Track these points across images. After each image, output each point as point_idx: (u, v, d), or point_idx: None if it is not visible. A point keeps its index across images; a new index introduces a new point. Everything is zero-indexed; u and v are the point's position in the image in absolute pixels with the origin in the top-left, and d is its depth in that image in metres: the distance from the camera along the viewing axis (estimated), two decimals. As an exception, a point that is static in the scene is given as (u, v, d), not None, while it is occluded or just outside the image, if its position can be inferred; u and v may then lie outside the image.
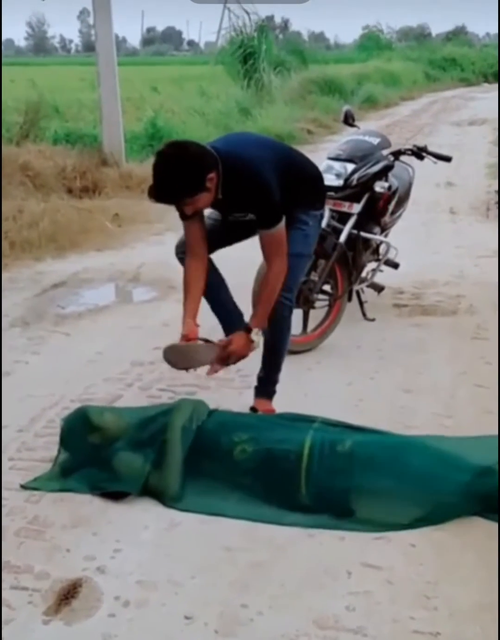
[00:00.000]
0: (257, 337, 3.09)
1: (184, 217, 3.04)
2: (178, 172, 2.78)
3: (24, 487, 2.83)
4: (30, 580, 2.35)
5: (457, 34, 43.24)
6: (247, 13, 16.17)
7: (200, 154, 2.86)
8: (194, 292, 3.15)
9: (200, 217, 3.09)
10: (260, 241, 3.06)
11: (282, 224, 3.00)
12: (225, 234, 3.33)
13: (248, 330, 3.09)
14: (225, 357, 3.13)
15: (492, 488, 2.58)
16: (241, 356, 3.14)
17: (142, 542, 2.54)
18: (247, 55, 15.87)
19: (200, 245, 3.13)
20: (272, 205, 2.97)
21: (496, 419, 3.27)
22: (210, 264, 3.32)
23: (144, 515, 2.67)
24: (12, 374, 3.88)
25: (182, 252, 3.27)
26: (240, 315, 3.40)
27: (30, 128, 8.76)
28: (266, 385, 3.38)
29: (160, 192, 2.83)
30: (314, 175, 3.31)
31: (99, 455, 2.88)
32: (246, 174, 2.93)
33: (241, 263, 3.78)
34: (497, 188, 8.36)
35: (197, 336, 3.10)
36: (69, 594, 2.29)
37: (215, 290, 3.36)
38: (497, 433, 3.03)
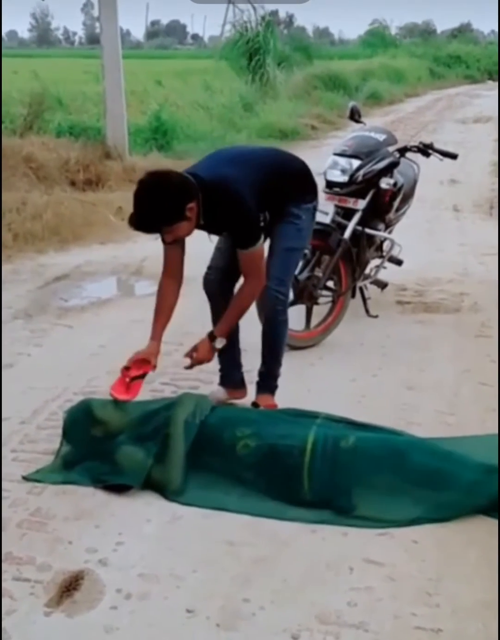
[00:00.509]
0: (220, 344, 3.15)
1: (165, 242, 3.06)
2: (157, 202, 2.79)
3: (26, 478, 2.83)
4: (32, 572, 2.35)
5: (462, 31, 43.22)
6: (254, 7, 16.10)
7: (181, 184, 2.87)
8: (164, 312, 3.18)
9: (181, 243, 3.10)
10: (240, 261, 3.07)
11: (260, 243, 3.03)
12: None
13: (212, 338, 3.15)
14: (191, 365, 3.22)
15: (496, 487, 2.58)
16: (204, 362, 3.21)
17: (144, 535, 2.54)
18: (251, 50, 15.82)
19: (177, 267, 3.15)
20: (248, 226, 3.00)
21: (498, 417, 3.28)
22: (225, 302, 3.32)
23: (146, 509, 2.67)
24: (14, 366, 3.88)
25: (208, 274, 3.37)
26: (239, 367, 3.46)
27: (34, 120, 8.74)
28: (267, 380, 3.39)
29: (139, 221, 2.85)
30: (301, 169, 3.31)
31: (102, 448, 2.88)
32: (223, 197, 2.94)
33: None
34: (499, 186, 8.36)
35: (155, 359, 3.12)
36: (71, 586, 2.29)
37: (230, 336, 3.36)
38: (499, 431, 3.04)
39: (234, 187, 2.96)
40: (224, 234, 3.26)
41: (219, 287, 3.35)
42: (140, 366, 3.08)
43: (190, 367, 3.23)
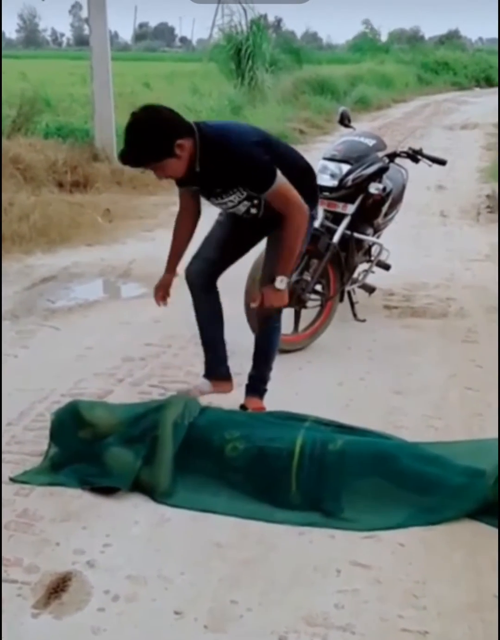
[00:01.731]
0: (282, 284, 3.04)
1: (178, 182, 3.07)
2: (145, 136, 2.77)
3: (13, 480, 2.82)
4: (19, 574, 2.34)
5: (450, 38, 43.45)
6: (244, 9, 16.08)
7: (171, 119, 2.84)
8: (179, 245, 3.29)
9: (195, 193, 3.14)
10: (269, 202, 2.96)
11: (280, 176, 2.87)
12: (234, 241, 3.31)
13: (273, 280, 3.05)
14: (265, 314, 3.18)
15: (483, 490, 2.60)
16: (277, 306, 3.13)
17: (132, 537, 2.54)
18: (240, 53, 15.83)
19: (191, 204, 3.20)
20: (258, 164, 2.87)
21: (485, 421, 3.30)
22: (215, 297, 3.36)
23: (134, 511, 2.67)
24: (1, 367, 3.86)
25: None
26: (224, 360, 3.44)
27: (24, 122, 8.71)
28: (257, 383, 3.40)
29: (127, 154, 2.83)
30: (306, 169, 3.21)
31: (90, 450, 2.88)
32: (225, 145, 2.88)
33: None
34: (487, 193, 8.42)
35: (169, 289, 3.29)
36: (58, 587, 2.28)
37: (211, 326, 3.38)
38: (487, 436, 3.07)
39: (238, 136, 2.94)
40: (219, 224, 3.27)
41: (201, 278, 3.31)
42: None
43: (261, 314, 3.19)
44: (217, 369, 3.45)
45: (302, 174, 3.13)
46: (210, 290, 3.34)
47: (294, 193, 2.93)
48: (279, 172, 2.88)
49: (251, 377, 3.39)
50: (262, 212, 3.05)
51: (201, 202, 3.23)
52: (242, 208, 3.06)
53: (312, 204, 3.17)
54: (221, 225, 3.32)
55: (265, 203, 3.01)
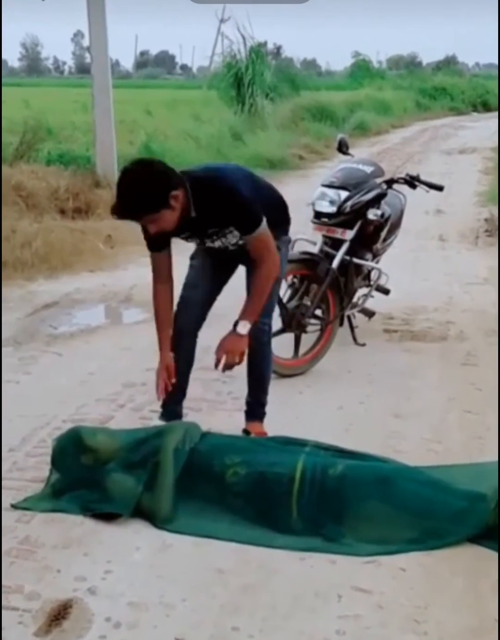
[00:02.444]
0: (244, 329, 3.02)
1: (152, 247, 3.08)
2: (141, 188, 2.76)
3: (14, 506, 2.82)
4: (20, 601, 2.34)
5: (448, 64, 43.86)
6: (243, 37, 16.31)
7: (164, 171, 2.86)
8: (166, 322, 3.18)
9: (168, 250, 3.11)
10: (248, 246, 3.03)
11: (264, 224, 2.97)
12: (215, 278, 3.32)
13: (236, 324, 3.05)
14: (218, 359, 3.08)
15: (484, 515, 2.60)
16: (235, 354, 3.05)
17: (133, 563, 2.54)
18: (240, 81, 16.02)
19: (167, 272, 3.14)
20: (249, 209, 2.95)
21: (485, 445, 3.31)
22: (196, 342, 3.33)
23: (135, 537, 2.68)
24: (3, 393, 3.87)
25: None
26: (180, 400, 3.37)
27: (26, 150, 8.79)
28: (255, 408, 3.42)
29: (122, 208, 2.82)
30: (280, 200, 3.31)
31: (91, 476, 2.89)
32: (218, 186, 2.93)
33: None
34: (485, 217, 8.47)
35: (172, 369, 3.16)
36: (59, 614, 2.28)
37: (187, 370, 3.33)
38: (486, 459, 3.07)
39: (225, 177, 2.98)
40: (200, 259, 3.26)
41: (192, 325, 3.29)
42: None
43: (224, 369, 3.08)
44: (175, 408, 3.37)
45: (278, 205, 3.26)
46: (195, 335, 3.33)
47: (273, 241, 3.02)
48: (264, 220, 2.97)
49: (248, 403, 3.42)
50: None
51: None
52: (232, 240, 3.09)
53: (287, 230, 3.32)
54: (198, 268, 3.30)
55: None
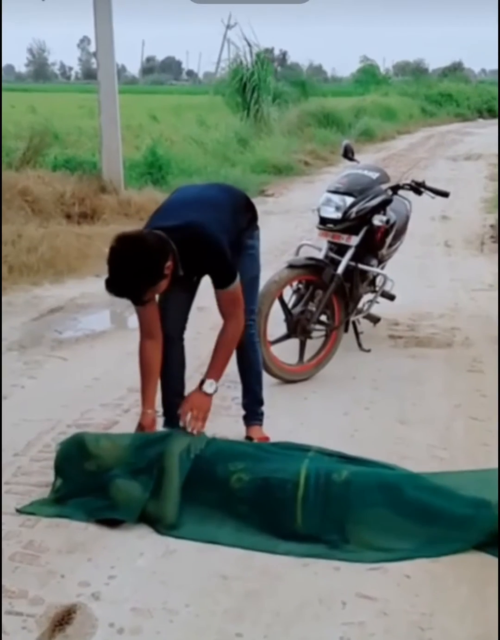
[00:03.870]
0: (211, 388, 3.04)
1: (142, 302, 3.02)
2: (138, 267, 2.73)
3: (19, 511, 2.82)
4: (24, 606, 2.34)
5: (454, 70, 43.87)
6: (249, 44, 16.37)
7: (156, 244, 2.82)
8: (153, 376, 3.16)
9: (154, 302, 3.08)
10: (217, 300, 3.06)
11: (237, 281, 3.01)
12: (188, 294, 3.31)
13: (202, 383, 3.06)
14: (184, 415, 3.04)
15: (489, 522, 2.59)
16: (201, 412, 3.04)
17: (137, 568, 2.53)
18: (246, 87, 16.07)
19: (155, 326, 3.11)
20: (227, 265, 2.98)
21: (490, 452, 3.30)
22: (183, 347, 3.35)
23: (139, 542, 2.67)
24: (8, 397, 3.88)
25: None
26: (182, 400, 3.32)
27: (33, 155, 8.83)
28: (254, 408, 3.44)
29: (122, 287, 2.79)
30: (246, 199, 3.34)
31: (95, 483, 2.88)
32: (196, 242, 2.92)
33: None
34: (491, 223, 8.47)
35: (154, 427, 3.13)
36: (63, 620, 2.28)
37: (180, 375, 3.36)
38: (492, 466, 3.06)
39: (206, 230, 2.94)
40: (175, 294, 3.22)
41: (177, 331, 3.30)
42: None
43: (187, 422, 3.03)
44: (174, 412, 3.35)
45: (248, 206, 3.30)
46: (181, 339, 3.35)
47: (241, 300, 3.06)
48: (238, 277, 3.00)
49: (245, 405, 3.44)
50: None
51: None
52: None
53: (256, 222, 3.35)
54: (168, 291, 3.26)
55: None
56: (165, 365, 3.26)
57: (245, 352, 3.38)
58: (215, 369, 3.08)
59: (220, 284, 3.02)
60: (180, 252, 2.91)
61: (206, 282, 3.28)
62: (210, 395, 3.05)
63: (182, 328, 3.34)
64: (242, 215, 3.24)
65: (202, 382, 3.06)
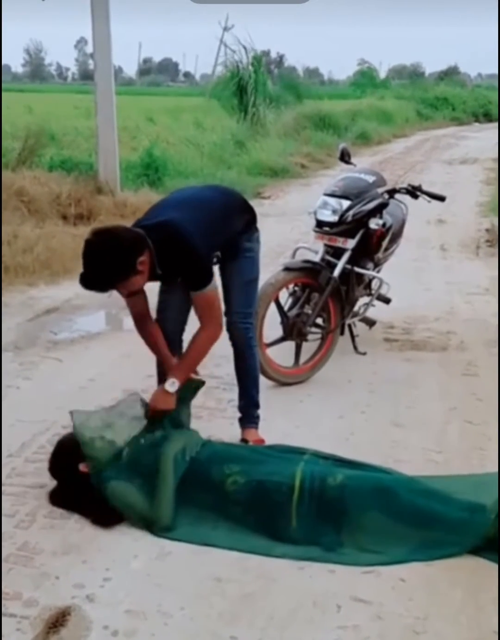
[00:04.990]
0: (173, 387, 3.01)
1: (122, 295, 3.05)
2: (107, 260, 2.74)
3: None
4: (18, 607, 2.34)
5: (450, 74, 43.92)
6: (245, 47, 16.40)
7: (129, 238, 2.83)
8: (160, 343, 3.18)
9: (143, 292, 3.08)
10: (193, 303, 3.06)
11: (213, 285, 2.99)
12: (187, 297, 3.25)
13: (165, 381, 3.05)
14: (152, 415, 3.05)
15: (484, 526, 2.59)
16: (163, 412, 3.04)
17: (132, 571, 2.53)
18: (242, 89, 16.10)
19: (146, 311, 3.13)
20: (200, 267, 2.95)
21: (485, 455, 3.30)
22: (180, 344, 3.35)
23: (134, 544, 2.67)
24: (3, 398, 3.87)
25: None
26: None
27: (29, 156, 8.82)
28: (250, 410, 3.44)
29: (91, 281, 2.79)
30: (243, 202, 3.33)
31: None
32: (170, 241, 2.91)
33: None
34: (487, 227, 8.49)
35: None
36: (57, 622, 2.28)
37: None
38: (487, 470, 3.07)
39: (180, 229, 2.93)
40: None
41: (177, 334, 3.33)
42: None
43: (151, 416, 3.05)
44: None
45: (246, 209, 3.29)
46: (180, 339, 3.36)
47: (218, 305, 3.05)
48: (213, 280, 2.98)
49: (242, 407, 3.45)
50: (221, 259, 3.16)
51: None
52: None
53: (256, 226, 3.34)
54: (166, 291, 3.30)
55: (222, 255, 3.15)
56: (162, 366, 3.27)
57: (243, 355, 3.39)
58: (180, 370, 3.05)
59: (192, 286, 2.99)
60: (157, 250, 2.89)
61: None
62: (172, 394, 3.01)
63: (182, 328, 3.35)
64: (238, 218, 3.23)
65: (165, 380, 3.04)
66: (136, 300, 3.08)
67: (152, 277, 2.97)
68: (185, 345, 3.34)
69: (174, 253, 2.92)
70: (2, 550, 2.60)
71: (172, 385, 3.01)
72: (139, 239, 2.85)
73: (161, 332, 3.20)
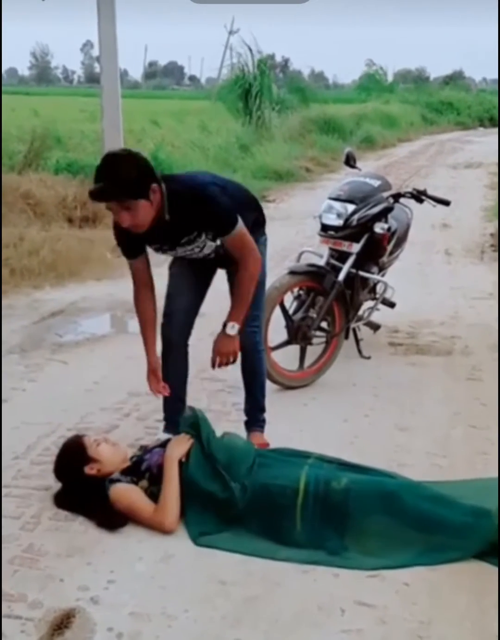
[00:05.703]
0: (233, 330, 3.04)
1: (128, 254, 3.10)
2: (123, 172, 2.74)
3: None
4: (23, 609, 2.34)
5: (455, 79, 43.95)
6: (250, 51, 16.43)
7: (146, 161, 2.87)
8: (149, 324, 3.24)
9: (145, 255, 3.12)
10: (227, 248, 3.02)
11: (241, 223, 2.96)
12: (197, 284, 3.32)
13: (225, 325, 3.07)
14: (214, 360, 3.12)
15: (489, 531, 2.59)
16: (228, 355, 3.10)
17: (136, 573, 2.54)
18: (247, 93, 16.12)
19: (147, 276, 3.16)
20: (224, 209, 2.93)
21: (489, 460, 3.30)
22: (187, 353, 3.36)
23: (138, 547, 2.68)
24: (8, 401, 3.89)
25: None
26: (182, 410, 3.30)
27: (34, 158, 8.84)
28: (256, 415, 3.44)
29: (102, 189, 2.76)
30: (254, 201, 3.33)
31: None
32: (192, 190, 2.92)
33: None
34: (491, 231, 8.48)
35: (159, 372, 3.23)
36: (62, 624, 2.28)
37: (180, 382, 3.37)
38: (491, 475, 3.07)
39: (201, 181, 2.98)
40: (178, 271, 3.27)
41: (181, 336, 3.32)
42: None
43: (218, 365, 3.12)
44: (178, 418, 3.29)
45: (253, 206, 3.27)
46: (186, 345, 3.35)
47: (250, 240, 3.02)
48: (240, 218, 2.96)
49: (248, 411, 3.45)
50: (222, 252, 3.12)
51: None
52: (207, 251, 3.08)
53: (264, 230, 3.33)
54: (179, 276, 3.30)
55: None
56: (167, 371, 3.28)
57: (250, 359, 3.38)
58: (236, 312, 3.06)
59: (221, 231, 2.97)
60: (171, 201, 2.89)
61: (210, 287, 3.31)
62: (234, 337, 3.05)
63: (188, 334, 3.34)
64: (246, 211, 3.15)
65: (224, 325, 3.06)
66: (138, 263, 3.12)
67: (157, 232, 2.94)
68: (190, 350, 3.37)
69: (196, 201, 2.90)
70: (7, 553, 2.61)
71: (233, 328, 3.04)
72: (154, 170, 2.88)
73: (154, 308, 3.21)
